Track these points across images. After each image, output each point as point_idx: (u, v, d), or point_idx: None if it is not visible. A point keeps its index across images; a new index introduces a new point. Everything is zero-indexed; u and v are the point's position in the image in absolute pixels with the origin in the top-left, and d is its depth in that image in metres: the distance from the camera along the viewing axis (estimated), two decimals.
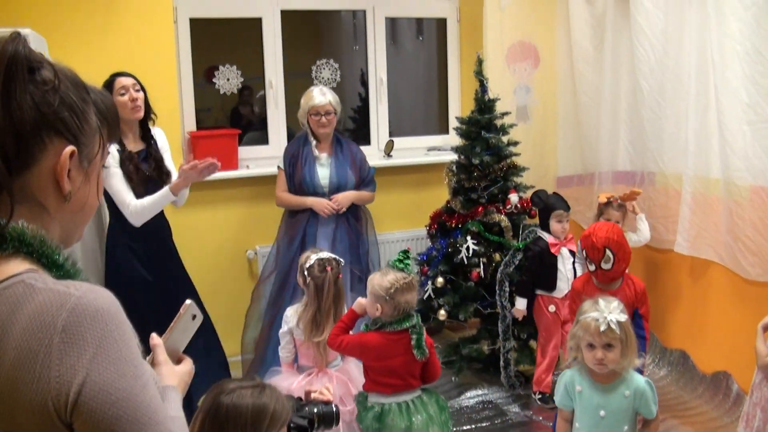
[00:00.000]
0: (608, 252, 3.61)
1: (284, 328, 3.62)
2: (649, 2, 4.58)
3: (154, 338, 1.51)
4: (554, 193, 4.67)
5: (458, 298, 4.64)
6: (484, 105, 4.75)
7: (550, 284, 4.45)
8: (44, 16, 4.39)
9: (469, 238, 4.59)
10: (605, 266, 3.65)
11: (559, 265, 4.43)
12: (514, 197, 4.63)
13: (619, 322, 2.73)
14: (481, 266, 4.56)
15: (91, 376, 1.06)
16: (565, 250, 4.43)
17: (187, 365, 1.53)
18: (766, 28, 3.87)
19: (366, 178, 4.72)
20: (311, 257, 3.54)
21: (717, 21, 4.11)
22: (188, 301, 1.60)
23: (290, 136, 5.13)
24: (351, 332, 3.29)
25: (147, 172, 3.87)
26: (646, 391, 2.79)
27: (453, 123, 5.14)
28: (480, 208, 4.65)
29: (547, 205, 4.52)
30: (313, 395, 2.44)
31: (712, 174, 4.34)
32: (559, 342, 4.44)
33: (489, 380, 4.77)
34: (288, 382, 3.46)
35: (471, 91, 4.96)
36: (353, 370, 3.55)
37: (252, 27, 5.19)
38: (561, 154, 5.62)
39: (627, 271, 3.91)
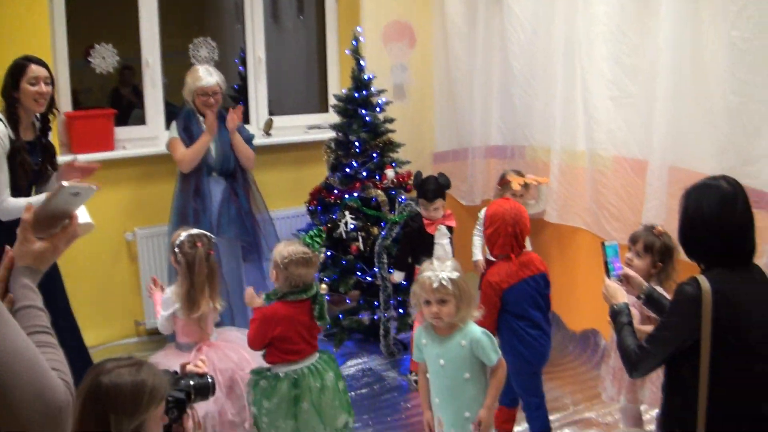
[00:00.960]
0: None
1: (166, 311, 3.62)
2: None
3: (25, 213, 1.69)
4: (434, 176, 4.63)
5: (338, 271, 4.75)
6: (361, 83, 4.87)
7: (427, 258, 4.56)
8: None
9: (347, 213, 4.70)
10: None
11: (436, 240, 4.53)
12: (390, 172, 4.77)
13: (451, 279, 2.92)
14: (360, 240, 4.68)
15: None
16: (442, 227, 4.53)
17: (44, 244, 1.68)
18: (629, 11, 4.13)
19: (246, 138, 4.75)
20: (181, 234, 3.57)
21: (584, 4, 4.36)
22: (63, 183, 1.70)
23: (170, 115, 5.05)
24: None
25: (34, 165, 3.74)
26: (481, 340, 2.96)
27: (332, 101, 5.21)
28: (357, 184, 4.77)
29: (419, 191, 4.58)
30: (188, 368, 2.50)
31: (578, 147, 4.60)
32: None
33: (369, 350, 4.92)
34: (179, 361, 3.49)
35: (349, 69, 5.04)
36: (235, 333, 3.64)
37: (129, 4, 5.07)
38: (437, 130, 5.80)
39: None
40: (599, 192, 4.43)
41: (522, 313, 3.53)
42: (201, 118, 4.57)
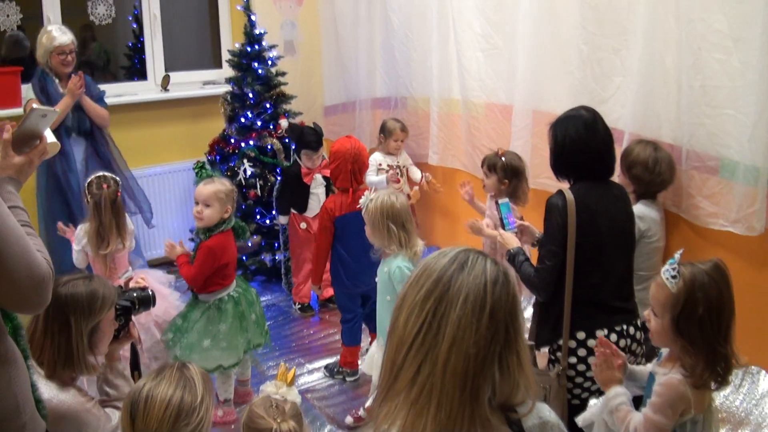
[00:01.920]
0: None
1: (77, 246, 3.90)
2: None
3: (4, 134, 1.98)
4: (309, 127, 4.93)
5: (239, 216, 5.08)
6: (253, 38, 5.18)
7: (302, 205, 4.92)
8: None
9: (245, 161, 5.04)
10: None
11: (312, 189, 4.86)
12: (284, 122, 5.13)
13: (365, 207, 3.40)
14: (258, 186, 5.04)
15: None
16: (318, 176, 4.86)
17: (30, 154, 1.99)
18: None
19: (96, 96, 4.82)
20: (91, 177, 3.87)
21: None
22: (34, 106, 2.03)
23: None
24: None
25: None
26: (394, 273, 3.36)
27: (226, 56, 5.50)
28: (254, 134, 5.11)
29: (298, 141, 4.87)
30: (130, 284, 2.90)
31: (453, 95, 5.07)
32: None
33: (271, 289, 5.36)
34: None
35: (241, 25, 5.33)
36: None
37: None
38: (326, 85, 6.15)
39: None
40: (473, 135, 4.93)
41: (346, 241, 4.04)
42: (57, 80, 4.63)
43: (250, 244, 5.25)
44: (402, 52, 5.40)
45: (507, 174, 3.96)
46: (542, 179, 4.27)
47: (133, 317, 2.78)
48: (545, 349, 2.93)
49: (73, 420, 2.27)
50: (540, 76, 4.36)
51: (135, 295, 2.75)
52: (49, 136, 2.06)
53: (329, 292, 4.71)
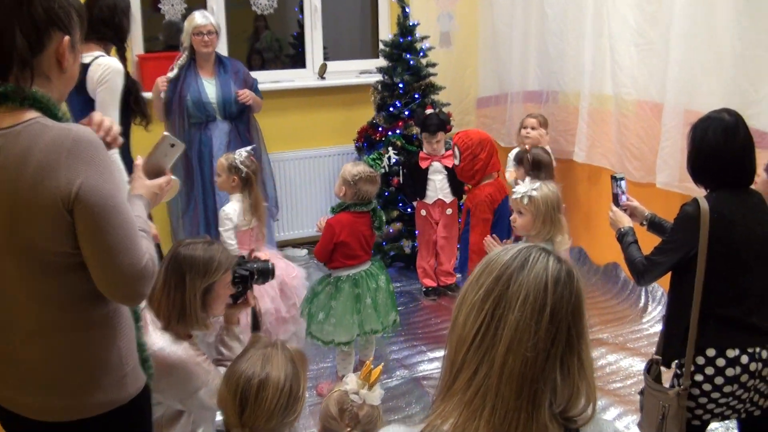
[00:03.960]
0: (456, 149, 4.08)
1: (228, 225, 4.01)
2: None
3: (138, 159, 2.11)
4: (434, 113, 4.98)
5: (381, 202, 5.21)
6: (406, 29, 5.28)
7: (420, 192, 5.02)
8: None
9: (390, 149, 5.14)
10: (455, 161, 4.15)
11: (430, 176, 4.97)
12: (430, 112, 5.16)
13: (529, 197, 3.31)
14: (401, 174, 5.12)
15: (87, 179, 1.67)
16: (437, 164, 4.94)
17: (160, 180, 2.09)
18: None
19: (253, 86, 5.01)
20: (241, 152, 4.01)
21: None
22: (165, 134, 2.16)
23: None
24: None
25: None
26: None
27: (380, 47, 5.63)
28: (400, 123, 5.20)
29: (420, 125, 4.96)
30: (253, 254, 3.08)
31: (605, 91, 4.93)
32: (431, 239, 5.08)
33: (408, 275, 5.43)
34: None
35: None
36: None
37: None
38: (480, 77, 6.15)
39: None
40: (622, 133, 4.76)
41: (495, 230, 4.07)
42: (179, 63, 4.84)
43: (391, 230, 5.36)
44: (555, 46, 5.30)
45: (533, 166, 4.24)
46: (689, 183, 4.06)
47: (254, 286, 2.95)
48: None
49: (181, 369, 2.44)
50: (692, 74, 4.14)
51: (255, 266, 2.90)
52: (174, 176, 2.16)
53: (451, 279, 4.75)
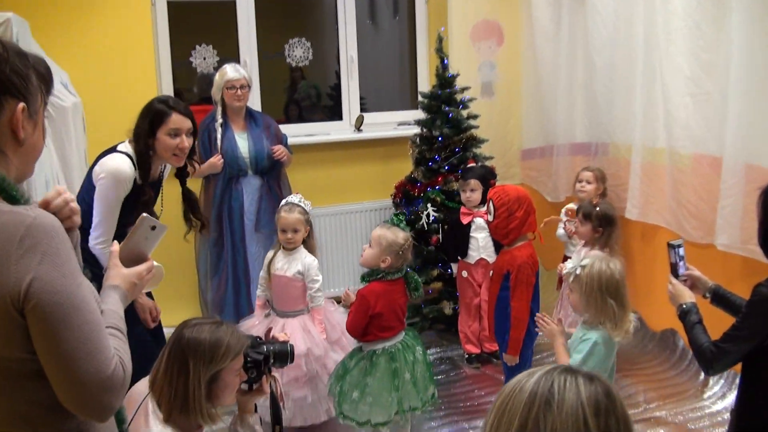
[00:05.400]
0: (491, 204, 3.80)
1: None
2: None
3: (114, 245, 1.88)
4: (478, 164, 4.83)
5: (420, 262, 4.93)
6: (445, 80, 5.04)
7: (462, 250, 4.72)
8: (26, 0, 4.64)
9: (429, 205, 4.86)
10: (488, 217, 3.85)
11: (472, 233, 4.68)
12: (472, 165, 4.89)
13: (576, 275, 2.97)
14: (441, 232, 4.83)
15: (39, 275, 1.44)
16: (479, 221, 4.64)
17: (139, 268, 1.86)
18: (705, 6, 4.10)
19: (284, 140, 4.90)
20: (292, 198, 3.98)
21: (662, 0, 4.36)
22: (143, 215, 1.92)
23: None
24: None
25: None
26: (582, 343, 2.96)
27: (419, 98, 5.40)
28: (440, 178, 4.94)
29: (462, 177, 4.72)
30: (272, 334, 2.83)
31: (658, 143, 4.59)
32: (474, 302, 4.78)
33: (449, 339, 5.10)
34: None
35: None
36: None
37: (227, 9, 5.43)
38: (524, 127, 5.87)
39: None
40: (678, 190, 4.42)
41: (535, 295, 3.83)
42: (220, 121, 4.69)
43: (430, 291, 5.07)
44: (604, 96, 4.99)
45: (602, 223, 4.27)
46: (752, 245, 3.71)
47: (274, 372, 2.68)
48: None
49: None
50: (754, 126, 3.78)
51: (272, 348, 2.64)
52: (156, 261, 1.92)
53: (494, 346, 4.45)
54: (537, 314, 3.21)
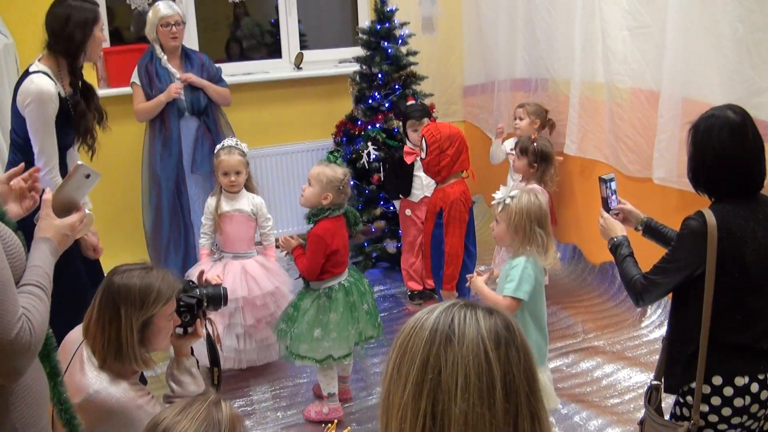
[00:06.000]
0: (423, 141, 3.79)
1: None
2: None
3: (46, 192, 1.82)
4: (417, 101, 4.76)
5: (362, 201, 4.91)
6: (384, 15, 4.94)
7: (405, 189, 4.69)
8: None
9: (370, 144, 4.82)
10: (422, 154, 3.85)
11: (416, 172, 4.62)
12: (411, 102, 4.84)
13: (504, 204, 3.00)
14: (382, 170, 4.81)
15: None
16: None
17: (72, 218, 1.82)
18: None
19: (215, 77, 4.74)
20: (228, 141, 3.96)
21: None
22: (79, 162, 1.88)
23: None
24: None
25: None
26: (512, 269, 2.99)
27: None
28: (380, 116, 4.88)
29: (403, 114, 4.64)
30: (205, 278, 2.77)
31: (597, 78, 4.59)
32: (416, 240, 4.71)
33: (393, 277, 5.13)
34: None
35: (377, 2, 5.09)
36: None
37: None
38: (466, 64, 5.82)
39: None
40: (616, 124, 4.44)
41: (469, 231, 3.86)
42: (164, 56, 4.58)
43: (373, 230, 5.06)
44: (544, 31, 4.95)
45: (537, 158, 4.34)
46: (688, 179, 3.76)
47: (209, 314, 2.66)
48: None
49: (120, 414, 2.19)
50: (691, 60, 3.80)
51: (205, 291, 2.62)
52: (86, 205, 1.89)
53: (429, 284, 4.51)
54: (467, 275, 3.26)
